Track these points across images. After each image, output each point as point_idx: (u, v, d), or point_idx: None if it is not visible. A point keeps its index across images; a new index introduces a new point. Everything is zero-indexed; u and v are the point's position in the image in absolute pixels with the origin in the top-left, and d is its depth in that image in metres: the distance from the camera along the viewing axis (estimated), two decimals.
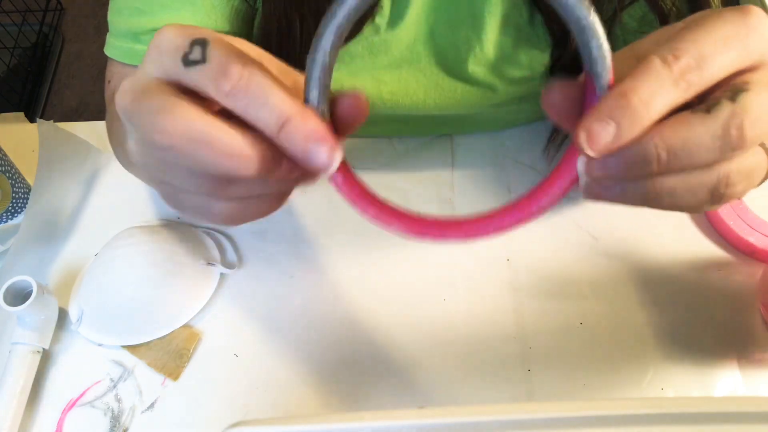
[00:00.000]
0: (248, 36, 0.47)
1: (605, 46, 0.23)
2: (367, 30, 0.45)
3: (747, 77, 0.24)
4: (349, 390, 0.44)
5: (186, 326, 0.47)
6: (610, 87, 0.24)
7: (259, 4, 0.45)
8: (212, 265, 0.48)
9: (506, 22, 0.45)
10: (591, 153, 0.23)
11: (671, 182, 0.25)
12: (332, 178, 0.26)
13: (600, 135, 0.23)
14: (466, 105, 0.50)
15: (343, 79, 0.48)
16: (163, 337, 0.46)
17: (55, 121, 0.56)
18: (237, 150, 0.24)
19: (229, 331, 0.47)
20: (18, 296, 0.44)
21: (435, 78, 0.49)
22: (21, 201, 0.52)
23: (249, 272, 0.50)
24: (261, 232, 0.51)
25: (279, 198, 0.29)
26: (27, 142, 0.58)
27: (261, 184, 0.27)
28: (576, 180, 0.25)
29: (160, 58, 0.25)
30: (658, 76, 0.23)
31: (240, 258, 0.50)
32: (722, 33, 0.24)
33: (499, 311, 0.47)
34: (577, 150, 0.24)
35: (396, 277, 0.49)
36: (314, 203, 0.53)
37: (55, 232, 0.52)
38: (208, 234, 0.51)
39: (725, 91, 0.24)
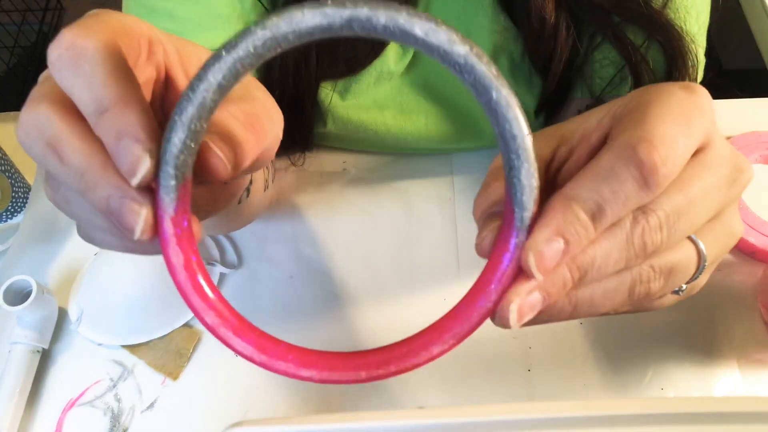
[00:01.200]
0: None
1: (533, 171, 0.20)
2: (376, 62, 0.45)
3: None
4: (349, 390, 0.44)
5: (186, 326, 0.47)
6: (531, 222, 0.21)
7: None
8: (212, 264, 0.48)
9: (499, 53, 0.45)
10: (540, 276, 0.21)
11: (587, 292, 0.23)
12: (162, 246, 0.21)
13: (550, 259, 0.21)
14: (466, 135, 0.51)
15: (348, 107, 0.48)
16: (163, 336, 0.46)
17: None
18: (83, 169, 0.20)
19: None
20: (18, 296, 0.44)
21: (435, 107, 0.49)
22: (21, 201, 0.52)
23: (249, 272, 0.50)
24: (261, 232, 0.51)
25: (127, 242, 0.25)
26: None
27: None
28: (489, 314, 0.23)
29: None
30: (617, 179, 0.21)
31: (240, 258, 0.50)
32: (685, 111, 0.22)
33: None
34: (490, 279, 0.23)
35: (396, 277, 0.49)
36: (314, 203, 0.53)
37: (55, 231, 0.52)
38: (209, 234, 0.51)
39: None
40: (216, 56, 0.19)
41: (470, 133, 0.51)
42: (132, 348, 0.46)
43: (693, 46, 0.42)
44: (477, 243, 0.24)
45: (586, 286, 0.23)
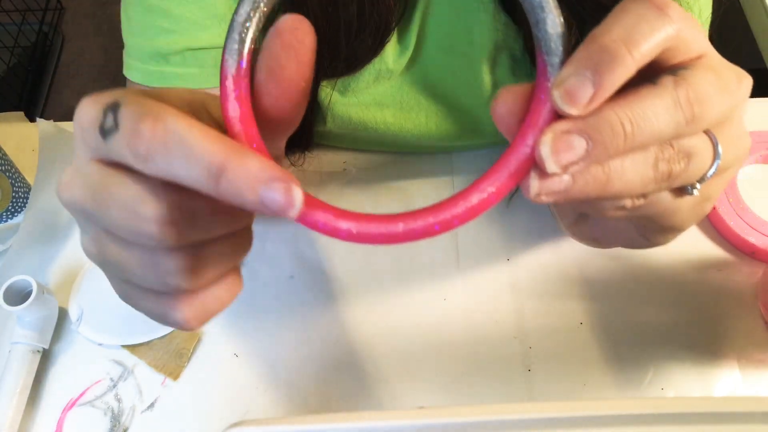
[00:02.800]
0: None
1: (559, 20, 0.21)
2: (375, 61, 0.45)
3: (690, 61, 0.22)
4: (349, 390, 0.44)
5: None
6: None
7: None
8: None
9: (500, 51, 0.45)
10: (573, 111, 0.20)
11: (618, 161, 0.22)
12: (222, 102, 0.22)
13: (580, 90, 0.20)
14: (465, 132, 0.51)
15: (348, 105, 0.48)
16: (163, 336, 0.46)
17: (55, 121, 0.56)
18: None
19: (229, 331, 0.47)
20: (18, 296, 0.44)
21: (435, 105, 0.49)
22: (21, 200, 0.52)
23: (249, 272, 0.50)
24: (261, 233, 0.51)
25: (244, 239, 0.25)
26: (27, 142, 0.58)
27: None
28: (523, 175, 0.21)
29: (83, 136, 0.21)
30: (637, 10, 0.21)
31: None
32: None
33: (499, 311, 0.47)
34: (528, 136, 0.21)
35: (396, 276, 0.49)
36: None
37: (55, 231, 0.52)
38: None
39: (666, 70, 0.22)
40: None
41: (470, 131, 0.51)
42: (132, 348, 0.46)
43: None
44: (498, 103, 0.22)
45: (626, 155, 0.22)
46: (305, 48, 0.23)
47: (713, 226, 0.49)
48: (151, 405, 0.44)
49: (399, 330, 0.46)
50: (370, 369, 0.45)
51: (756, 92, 0.59)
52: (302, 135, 0.50)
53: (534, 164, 0.21)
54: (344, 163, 0.55)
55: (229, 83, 0.22)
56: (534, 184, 0.21)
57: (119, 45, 0.45)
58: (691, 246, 0.49)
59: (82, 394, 0.45)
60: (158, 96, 0.22)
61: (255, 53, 0.23)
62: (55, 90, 1.74)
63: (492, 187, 0.21)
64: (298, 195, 0.20)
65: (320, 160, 0.55)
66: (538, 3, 0.21)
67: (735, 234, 0.47)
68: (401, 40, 0.46)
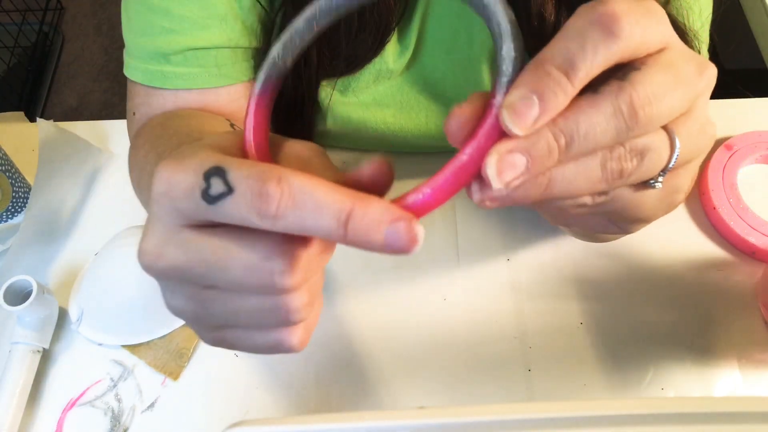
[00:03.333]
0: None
1: (514, 45, 0.22)
2: (376, 60, 0.45)
3: (645, 59, 0.23)
4: (349, 390, 0.44)
5: (186, 326, 0.47)
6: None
7: (278, 20, 0.44)
8: None
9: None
10: (518, 131, 0.21)
11: (567, 170, 0.23)
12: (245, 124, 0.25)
13: (526, 111, 0.21)
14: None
15: (349, 104, 0.48)
16: (163, 336, 0.46)
17: (55, 121, 0.56)
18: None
19: None
20: (18, 296, 0.44)
21: (435, 105, 0.49)
22: (21, 201, 0.52)
23: None
24: None
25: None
26: (27, 142, 0.58)
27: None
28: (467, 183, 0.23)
29: (175, 205, 0.22)
30: (581, 32, 0.22)
31: None
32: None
33: (499, 311, 0.47)
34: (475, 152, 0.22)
35: (396, 276, 0.49)
36: None
37: (55, 231, 0.52)
38: None
39: (616, 71, 0.22)
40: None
41: None
42: (132, 348, 0.46)
43: (696, 42, 0.42)
44: (449, 119, 0.23)
45: (570, 162, 0.23)
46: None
47: (713, 226, 0.49)
48: (152, 405, 0.44)
49: (399, 330, 0.46)
50: (370, 369, 0.45)
51: (756, 92, 0.59)
52: (302, 135, 0.50)
53: (477, 175, 0.22)
54: (344, 163, 0.55)
55: (252, 102, 0.25)
56: (476, 194, 0.23)
57: (119, 45, 0.45)
58: (691, 246, 0.49)
59: (82, 394, 0.45)
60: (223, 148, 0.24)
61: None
62: (55, 90, 1.74)
63: (428, 188, 0.23)
64: (420, 232, 0.21)
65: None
66: (498, 32, 0.23)
67: (735, 234, 0.47)
68: (401, 40, 0.46)
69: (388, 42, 0.44)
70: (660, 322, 0.45)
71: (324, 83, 0.46)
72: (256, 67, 0.45)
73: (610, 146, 0.23)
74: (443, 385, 0.44)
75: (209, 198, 0.21)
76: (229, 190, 0.21)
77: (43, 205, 0.52)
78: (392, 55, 0.46)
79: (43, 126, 0.54)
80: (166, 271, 0.23)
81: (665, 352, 0.44)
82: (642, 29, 0.22)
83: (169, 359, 0.46)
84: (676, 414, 0.27)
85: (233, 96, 0.45)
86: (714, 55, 0.44)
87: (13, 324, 0.45)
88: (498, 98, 0.22)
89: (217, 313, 0.25)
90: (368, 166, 0.24)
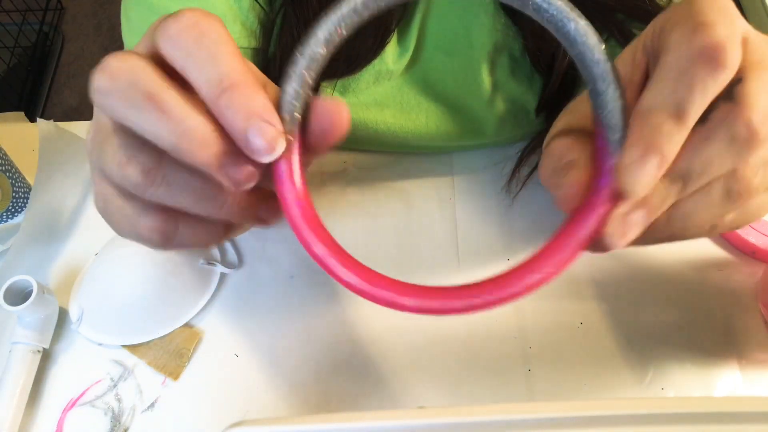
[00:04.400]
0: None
1: (620, 92, 0.21)
2: (375, 61, 0.45)
3: (740, 65, 0.21)
4: (349, 390, 0.44)
5: (186, 326, 0.47)
6: (624, 142, 0.21)
7: (278, 20, 0.44)
8: (212, 264, 0.49)
9: (500, 51, 0.45)
10: (640, 194, 0.21)
11: (687, 205, 0.22)
12: (278, 185, 0.23)
13: (646, 173, 0.20)
14: (466, 132, 0.51)
15: (349, 105, 0.48)
16: (164, 336, 0.46)
17: (55, 121, 0.56)
18: (189, 123, 0.21)
19: (230, 331, 0.47)
20: (18, 296, 0.44)
21: (435, 106, 0.49)
22: (21, 201, 0.52)
23: (249, 272, 0.50)
24: (261, 232, 0.51)
25: (218, 229, 0.26)
26: (27, 142, 0.58)
27: (204, 200, 0.24)
28: (590, 240, 0.23)
29: (149, 33, 0.23)
30: (688, 71, 0.20)
31: (240, 258, 0.50)
32: (719, 5, 0.21)
33: (499, 311, 0.47)
34: (594, 208, 0.22)
35: (396, 276, 0.49)
36: (314, 203, 0.53)
37: (55, 231, 0.52)
38: None
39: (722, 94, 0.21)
40: (322, 16, 0.21)
41: (471, 131, 0.51)
42: (132, 348, 0.46)
43: None
44: (560, 194, 0.23)
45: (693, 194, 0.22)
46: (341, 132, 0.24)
47: None
48: (152, 405, 0.44)
49: (399, 330, 0.46)
50: (370, 369, 0.45)
51: None
52: None
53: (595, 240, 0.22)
54: (344, 163, 0.55)
55: (282, 164, 0.23)
56: (593, 250, 0.23)
57: (119, 45, 0.45)
58: (691, 246, 0.49)
59: (82, 394, 0.45)
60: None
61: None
62: (55, 90, 1.74)
63: (551, 267, 0.23)
64: (280, 146, 0.21)
65: (320, 160, 0.55)
66: (599, 73, 0.21)
67: (735, 234, 0.47)
68: (401, 40, 0.46)
69: (388, 43, 0.44)
70: (660, 322, 0.45)
71: (324, 84, 0.46)
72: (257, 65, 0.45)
73: (731, 171, 0.22)
74: (443, 385, 0.44)
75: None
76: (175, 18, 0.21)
77: (43, 205, 0.52)
78: (392, 56, 0.46)
79: (43, 126, 0.54)
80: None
81: (665, 352, 0.44)
82: (738, 25, 0.21)
83: (169, 359, 0.46)
84: (676, 414, 0.27)
85: None
86: None
87: (13, 324, 0.45)
88: (612, 161, 0.21)
89: (98, 142, 0.24)
90: (322, 105, 0.23)
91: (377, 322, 0.47)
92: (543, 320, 0.46)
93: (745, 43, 0.22)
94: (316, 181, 0.54)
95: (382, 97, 0.48)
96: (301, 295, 0.48)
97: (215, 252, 0.50)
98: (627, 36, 0.41)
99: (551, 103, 0.47)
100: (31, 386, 0.44)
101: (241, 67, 0.21)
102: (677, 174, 0.21)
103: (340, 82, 0.46)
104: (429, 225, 0.51)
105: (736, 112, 0.20)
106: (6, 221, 0.52)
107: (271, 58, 0.45)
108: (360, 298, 0.48)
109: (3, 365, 0.44)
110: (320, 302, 0.48)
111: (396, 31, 0.44)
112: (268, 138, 0.21)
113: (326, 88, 0.47)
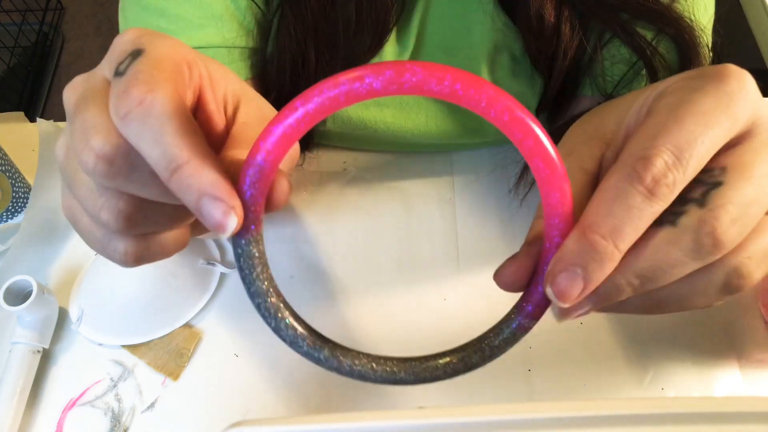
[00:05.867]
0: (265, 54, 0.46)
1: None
2: (374, 60, 0.45)
3: (722, 160, 0.21)
4: (349, 390, 0.44)
5: (186, 326, 0.47)
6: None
7: (275, 20, 0.44)
8: (212, 264, 0.48)
9: (500, 51, 0.45)
10: (564, 305, 0.22)
11: (669, 291, 0.23)
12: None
13: (569, 289, 0.21)
14: (466, 132, 0.51)
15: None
16: (164, 336, 0.46)
17: (55, 121, 0.56)
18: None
19: (230, 331, 0.47)
20: (18, 296, 0.44)
21: (435, 105, 0.49)
22: (21, 200, 0.52)
23: None
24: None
25: (186, 236, 0.27)
26: (27, 142, 0.58)
27: (179, 219, 0.25)
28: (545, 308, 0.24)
29: (110, 59, 0.23)
30: (625, 198, 0.20)
31: None
32: (701, 109, 0.21)
33: (499, 311, 0.47)
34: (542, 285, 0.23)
35: (396, 277, 0.49)
36: (314, 203, 0.53)
37: (55, 231, 0.52)
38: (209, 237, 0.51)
39: (695, 187, 0.21)
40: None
41: (471, 130, 0.51)
42: (132, 348, 0.46)
43: (704, 37, 0.42)
44: (499, 277, 0.26)
45: (660, 288, 0.22)
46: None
47: None
48: (152, 405, 0.44)
49: (399, 330, 0.46)
50: None
51: None
52: (303, 136, 0.50)
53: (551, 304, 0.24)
54: (344, 163, 0.55)
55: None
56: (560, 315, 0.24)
57: None
58: None
59: (82, 394, 0.45)
60: (171, 53, 0.23)
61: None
62: (55, 90, 1.74)
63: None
64: (232, 222, 0.21)
65: (320, 160, 0.55)
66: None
67: None
68: (400, 39, 0.46)
69: (386, 42, 0.44)
70: (660, 322, 0.45)
71: None
72: (253, 66, 0.45)
73: (728, 264, 0.22)
74: (443, 385, 0.44)
75: (116, 70, 0.22)
76: (123, 72, 0.21)
77: (43, 205, 0.52)
78: (391, 55, 0.46)
79: (43, 126, 0.54)
80: (67, 109, 0.24)
81: (665, 352, 0.44)
82: (713, 142, 0.20)
83: (169, 359, 0.46)
84: (676, 414, 0.27)
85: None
86: (713, 55, 0.44)
87: (13, 324, 0.45)
88: (546, 273, 0.23)
89: (68, 175, 0.25)
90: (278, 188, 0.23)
91: (377, 323, 0.47)
92: (543, 320, 0.46)
93: (747, 133, 0.22)
94: (315, 181, 0.54)
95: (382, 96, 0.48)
96: (300, 295, 0.48)
97: (215, 252, 0.50)
98: (631, 35, 0.41)
99: (552, 104, 0.47)
100: (30, 386, 0.44)
101: (188, 143, 0.21)
102: (638, 272, 0.22)
103: None
104: (429, 225, 0.51)
105: (704, 220, 0.21)
106: (6, 221, 0.52)
107: (269, 59, 0.45)
108: (358, 297, 0.48)
109: (3, 365, 0.44)
110: (320, 302, 0.48)
111: (395, 29, 0.44)
112: (218, 217, 0.21)
113: None
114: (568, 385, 0.43)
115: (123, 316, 0.46)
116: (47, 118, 0.55)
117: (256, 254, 0.24)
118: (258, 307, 0.25)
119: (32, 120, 0.61)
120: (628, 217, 0.21)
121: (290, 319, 0.25)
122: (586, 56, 0.44)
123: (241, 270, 0.25)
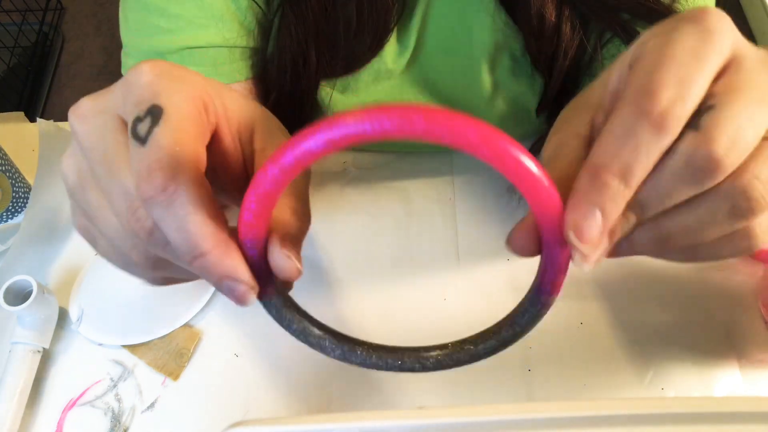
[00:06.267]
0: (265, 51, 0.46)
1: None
2: (375, 60, 0.45)
3: (711, 89, 0.21)
4: (349, 390, 0.44)
5: (186, 326, 0.47)
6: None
7: (276, 20, 0.44)
8: None
9: (501, 51, 0.45)
10: (585, 249, 0.22)
11: (677, 222, 0.22)
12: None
13: (590, 229, 0.21)
14: None
15: (349, 105, 0.48)
16: (164, 336, 0.46)
17: (55, 121, 0.56)
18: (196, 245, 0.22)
19: (229, 331, 0.47)
20: (18, 296, 0.44)
21: (435, 105, 0.49)
22: (21, 200, 0.52)
23: None
24: None
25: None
26: (27, 142, 0.58)
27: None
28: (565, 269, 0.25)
29: (125, 101, 0.23)
30: (634, 135, 0.21)
31: None
32: (689, 45, 0.21)
33: (499, 311, 0.47)
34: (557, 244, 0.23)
35: (396, 277, 0.49)
36: (314, 203, 0.53)
37: (55, 231, 0.52)
38: None
39: (691, 117, 0.21)
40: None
41: None
42: (132, 348, 0.46)
43: None
44: (511, 242, 0.25)
45: (667, 219, 0.23)
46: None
47: None
48: (152, 405, 0.44)
49: (399, 330, 0.46)
50: (371, 369, 0.45)
51: None
52: None
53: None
54: (344, 163, 0.55)
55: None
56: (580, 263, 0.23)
57: (119, 45, 0.45)
58: None
59: (82, 394, 0.45)
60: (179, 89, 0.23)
61: None
62: (55, 90, 1.74)
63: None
64: (251, 300, 0.25)
65: (320, 160, 0.55)
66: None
67: None
68: (401, 39, 0.46)
69: (387, 42, 0.44)
70: (660, 322, 0.45)
71: (323, 83, 0.46)
72: (253, 66, 0.45)
73: (735, 184, 0.21)
74: (443, 385, 0.44)
75: (134, 131, 0.22)
76: (144, 140, 0.21)
77: (43, 205, 0.52)
78: (391, 55, 0.46)
79: (43, 126, 0.54)
80: (80, 141, 0.24)
81: (665, 352, 0.44)
82: (693, 85, 0.21)
83: (169, 359, 0.46)
84: (676, 414, 0.27)
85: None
86: None
87: (13, 324, 0.45)
88: (566, 223, 0.22)
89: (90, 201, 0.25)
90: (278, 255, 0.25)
91: (377, 323, 0.47)
92: (543, 320, 0.46)
93: (730, 64, 0.22)
94: (315, 181, 0.54)
95: (382, 96, 0.48)
96: (300, 295, 0.48)
97: None
98: (631, 35, 0.41)
99: (552, 104, 0.47)
100: (31, 386, 0.44)
101: (210, 231, 0.22)
102: (636, 202, 0.22)
103: (339, 82, 0.46)
104: (429, 225, 0.51)
105: (699, 142, 0.21)
106: (6, 221, 0.52)
107: (269, 59, 0.45)
108: (358, 297, 0.48)
109: (3, 365, 0.44)
110: (320, 302, 0.48)
111: (396, 30, 0.44)
112: (238, 296, 0.24)
113: (325, 87, 0.47)
114: (568, 385, 0.43)
115: (123, 316, 0.46)
116: (47, 118, 0.55)
117: (281, 305, 0.28)
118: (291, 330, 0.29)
119: (32, 120, 0.61)
120: (637, 154, 0.21)
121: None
122: (586, 56, 0.44)
123: (277, 320, 0.28)
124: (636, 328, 0.45)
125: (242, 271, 0.23)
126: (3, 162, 0.50)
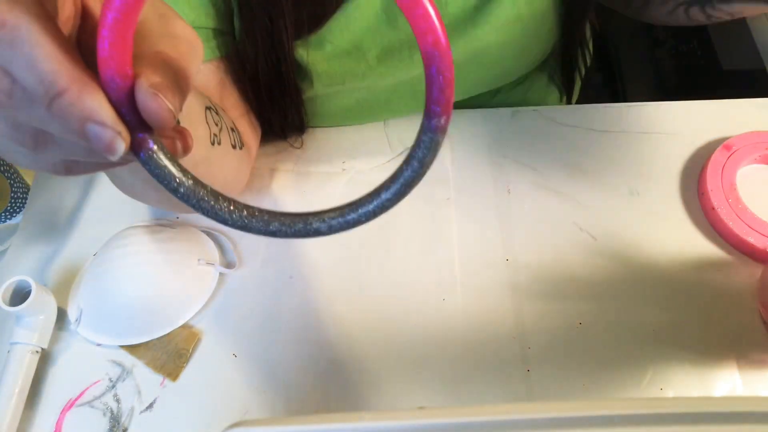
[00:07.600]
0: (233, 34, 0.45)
1: None
2: (341, 12, 0.45)
3: None
4: (349, 390, 0.44)
5: (185, 326, 0.47)
6: None
7: (235, 2, 0.44)
8: (212, 264, 0.48)
9: None
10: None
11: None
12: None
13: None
14: (468, 62, 0.50)
15: (329, 58, 0.47)
16: (162, 337, 0.46)
17: None
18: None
19: (229, 331, 0.47)
20: (17, 296, 0.44)
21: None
22: (20, 201, 0.52)
23: (248, 272, 0.49)
24: None
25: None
26: None
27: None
28: None
29: None
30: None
31: (239, 258, 0.50)
32: None
33: (498, 311, 0.47)
34: None
35: (396, 277, 0.49)
36: (314, 203, 0.53)
37: (54, 231, 0.52)
38: (208, 234, 0.51)
39: None
40: None
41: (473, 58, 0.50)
42: (131, 348, 0.46)
43: None
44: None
45: None
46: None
47: (712, 226, 0.49)
48: (150, 405, 0.44)
49: (399, 330, 0.46)
50: (370, 369, 0.45)
51: (756, 92, 0.59)
52: (292, 102, 0.50)
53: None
54: (344, 163, 0.55)
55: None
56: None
57: None
58: (690, 246, 0.49)
59: (81, 395, 0.44)
60: None
61: None
62: None
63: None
64: (120, 146, 0.20)
65: (319, 160, 0.55)
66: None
67: (734, 234, 0.47)
68: None
69: None
70: (660, 322, 0.45)
71: (298, 43, 0.46)
72: (219, 47, 0.45)
73: None
74: (443, 385, 0.44)
75: None
76: None
77: (42, 205, 0.52)
78: (363, 6, 0.45)
79: None
80: None
81: (665, 352, 0.44)
82: None
83: (167, 360, 0.45)
84: (676, 414, 0.27)
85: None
86: (713, 56, 0.44)
87: (12, 324, 0.45)
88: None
89: None
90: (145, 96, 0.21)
91: (377, 323, 0.46)
92: (542, 321, 0.46)
93: None
94: (315, 181, 0.54)
95: (359, 38, 0.47)
96: (299, 295, 0.48)
97: (214, 252, 0.50)
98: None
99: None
100: (29, 386, 0.44)
101: (65, 67, 0.19)
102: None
103: (314, 38, 0.46)
104: (428, 225, 0.51)
105: None
106: (4, 221, 0.52)
107: (240, 38, 0.44)
108: (358, 297, 0.48)
109: (2, 365, 0.44)
110: (319, 302, 0.48)
111: None
112: (106, 143, 0.20)
113: (300, 48, 0.46)
114: (567, 385, 0.43)
115: (121, 316, 0.46)
116: None
117: (163, 159, 0.22)
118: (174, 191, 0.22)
119: None
120: None
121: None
122: None
123: (154, 176, 0.22)
124: (635, 328, 0.45)
125: (105, 111, 0.20)
126: (2, 162, 0.50)
